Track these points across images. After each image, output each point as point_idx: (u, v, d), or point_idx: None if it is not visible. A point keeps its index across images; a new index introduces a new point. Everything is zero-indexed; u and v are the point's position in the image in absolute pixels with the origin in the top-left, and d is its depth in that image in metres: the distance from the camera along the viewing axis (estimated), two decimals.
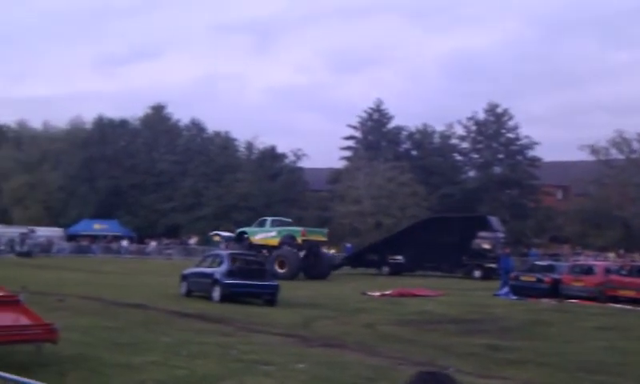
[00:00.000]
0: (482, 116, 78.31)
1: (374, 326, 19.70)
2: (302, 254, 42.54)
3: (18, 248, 62.69)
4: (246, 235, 46.32)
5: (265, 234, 45.08)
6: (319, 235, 46.12)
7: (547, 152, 76.99)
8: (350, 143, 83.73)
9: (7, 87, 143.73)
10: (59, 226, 76.57)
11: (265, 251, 43.27)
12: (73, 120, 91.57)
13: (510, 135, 77.55)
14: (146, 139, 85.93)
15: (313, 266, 42.65)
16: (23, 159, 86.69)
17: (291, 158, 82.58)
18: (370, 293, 30.34)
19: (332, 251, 65.22)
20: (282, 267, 40.92)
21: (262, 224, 46.60)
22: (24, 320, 12.03)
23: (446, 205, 70.76)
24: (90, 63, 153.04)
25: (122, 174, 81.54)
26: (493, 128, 77.69)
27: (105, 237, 75.10)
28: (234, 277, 24.89)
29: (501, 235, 46.20)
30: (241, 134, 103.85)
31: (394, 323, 20.46)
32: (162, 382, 11.04)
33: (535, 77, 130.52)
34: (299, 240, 43.42)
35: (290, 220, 49.33)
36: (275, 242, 43.86)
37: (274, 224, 46.42)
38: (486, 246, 44.67)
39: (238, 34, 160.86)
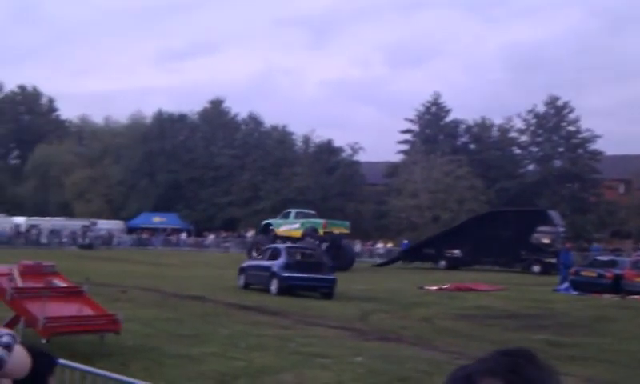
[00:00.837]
0: (541, 109, 77.12)
1: (431, 320, 19.61)
2: (324, 245, 42.73)
3: (79, 240, 64.09)
4: (271, 227, 47.42)
5: (289, 226, 46.04)
6: (341, 227, 46.78)
7: (609, 145, 75.70)
8: (408, 137, 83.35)
9: (70, 83, 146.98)
10: (120, 219, 78.06)
11: (288, 242, 43.15)
12: (133, 115, 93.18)
13: (571, 128, 76.19)
14: (205, 133, 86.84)
15: (336, 258, 42.03)
16: (85, 153, 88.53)
17: (348, 151, 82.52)
18: (427, 287, 30.17)
19: (389, 245, 65.20)
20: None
21: (286, 216, 47.72)
22: (88, 311, 12.32)
23: (505, 199, 69.95)
24: (150, 58, 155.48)
25: (180, 167, 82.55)
26: (553, 121, 76.43)
27: (164, 230, 76.29)
28: (292, 270, 25.05)
29: (561, 230, 45.48)
30: (298, 128, 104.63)
31: (452, 317, 20.32)
32: (221, 373, 11.17)
33: (597, 69, 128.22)
34: (321, 232, 44.26)
35: (313, 212, 50.04)
36: (298, 233, 44.66)
37: (298, 216, 47.45)
38: (546, 241, 44.00)
39: (296, 28, 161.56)
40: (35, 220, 70.46)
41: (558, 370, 1.17)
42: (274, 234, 46.26)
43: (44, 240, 64.56)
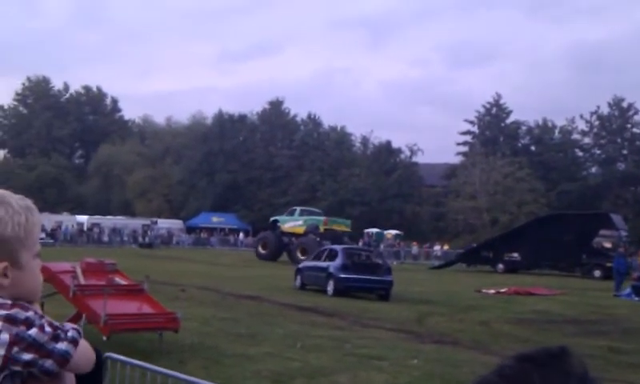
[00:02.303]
0: (605, 110, 75.83)
1: (488, 324, 19.41)
2: (326, 243, 42.57)
3: (140, 239, 65.14)
4: (278, 223, 48.66)
5: (293, 223, 47.53)
6: (342, 225, 48.19)
7: None
8: (467, 138, 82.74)
9: (132, 84, 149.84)
10: (179, 219, 79.09)
11: (293, 239, 45.96)
12: (194, 115, 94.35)
13: (636, 130, 74.69)
14: (264, 134, 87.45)
15: None
16: (146, 153, 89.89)
17: (406, 153, 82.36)
18: (484, 290, 29.83)
19: (446, 247, 64.69)
20: (303, 254, 42.50)
21: (292, 213, 49.19)
22: (147, 308, 12.52)
23: (566, 202, 68.88)
24: (211, 59, 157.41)
25: (239, 168, 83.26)
26: (617, 123, 75.02)
27: (222, 229, 77.02)
28: (348, 271, 25.06)
29: (624, 234, 44.54)
30: (356, 129, 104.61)
31: (510, 322, 20.08)
32: (277, 373, 11.24)
33: None
34: (321, 229, 45.54)
35: (318, 210, 51.69)
36: (301, 230, 46.33)
37: (302, 213, 48.89)
38: (608, 245, 43.12)
39: (354, 28, 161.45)
40: (97, 219, 71.89)
41: (589, 370, 1.07)
42: (280, 230, 47.89)
43: (105, 238, 65.86)
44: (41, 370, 1.92)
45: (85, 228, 68.75)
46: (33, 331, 1.90)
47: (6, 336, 1.87)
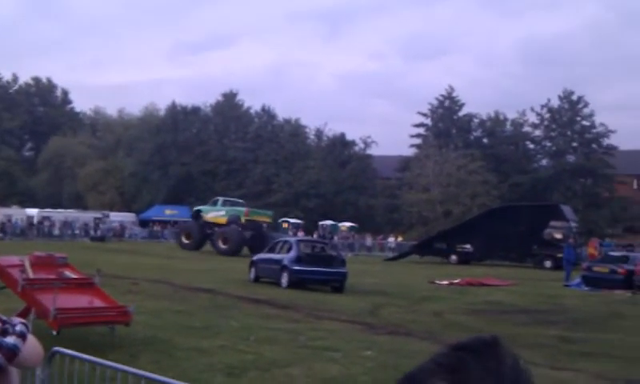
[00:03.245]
0: (556, 103, 76.89)
1: (441, 315, 19.59)
2: (248, 233, 45.53)
3: (92, 232, 64.34)
4: (201, 213, 49.35)
5: (216, 213, 48.34)
6: (264, 216, 49.29)
7: (623, 140, 75.07)
8: (420, 131, 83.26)
9: (84, 75, 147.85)
10: (132, 212, 78.31)
11: (215, 228, 46.78)
12: (147, 107, 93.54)
13: (585, 123, 75.91)
14: (217, 126, 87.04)
15: (257, 246, 43.91)
16: (98, 146, 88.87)
17: (361, 145, 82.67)
18: (437, 281, 30.11)
19: (400, 239, 65.15)
20: (225, 243, 44.60)
21: (214, 203, 50.10)
22: (98, 302, 12.36)
23: (517, 193, 69.83)
24: (164, 51, 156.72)
25: (193, 160, 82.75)
26: (567, 115, 76.15)
27: (176, 222, 76.48)
28: (302, 263, 25.03)
29: (573, 225, 45.30)
30: (311, 122, 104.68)
31: (463, 312, 20.30)
32: (231, 366, 11.19)
33: (612, 63, 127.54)
34: (242, 219, 46.54)
35: (241, 201, 52.88)
36: (224, 220, 47.08)
37: (225, 204, 49.75)
38: (558, 236, 43.83)
39: (310, 21, 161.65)
40: (48, 212, 70.78)
41: (520, 359, 1.09)
42: (203, 220, 48.50)
43: (56, 232, 64.84)
44: None
45: (35, 221, 67.60)
46: None
47: None
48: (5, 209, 68.38)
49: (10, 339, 1.91)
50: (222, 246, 44.75)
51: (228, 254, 43.06)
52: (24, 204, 74.41)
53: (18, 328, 1.96)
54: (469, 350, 1.08)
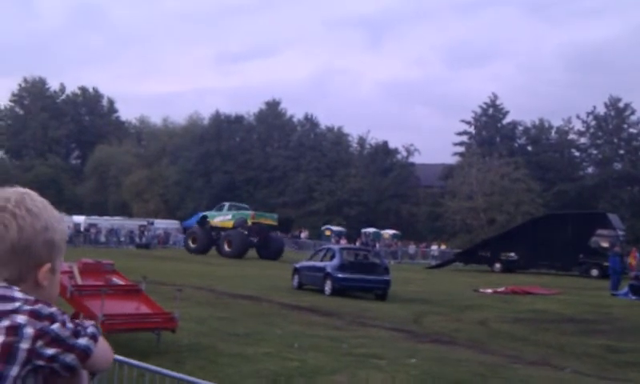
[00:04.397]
0: (602, 111, 75.91)
1: (486, 323, 19.41)
2: (253, 236, 46.71)
3: (137, 240, 64.99)
4: (207, 219, 50.26)
5: (222, 218, 49.28)
6: (269, 219, 50.06)
7: None
8: (464, 138, 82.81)
9: (130, 85, 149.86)
10: (176, 219, 78.94)
11: (222, 233, 47.67)
12: (191, 116, 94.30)
13: (632, 130, 74.79)
14: (260, 135, 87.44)
15: (264, 248, 46.77)
16: (143, 154, 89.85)
17: (403, 153, 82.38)
18: (482, 289, 29.87)
19: (443, 247, 64.73)
20: (229, 246, 45.66)
21: (220, 208, 51.15)
22: (145, 309, 12.50)
23: (562, 202, 68.97)
24: (208, 61, 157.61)
25: (236, 168, 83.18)
26: (613, 123, 75.11)
27: None
28: (346, 271, 25.02)
29: (620, 233, 44.59)
30: (353, 130, 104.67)
31: (507, 321, 20.09)
32: (275, 373, 11.22)
33: None
34: (249, 222, 47.41)
35: (246, 205, 54.15)
36: (230, 224, 48.06)
37: (231, 208, 50.89)
38: (605, 245, 43.15)
39: (352, 29, 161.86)
40: (94, 219, 71.73)
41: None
42: (209, 225, 49.37)
43: (102, 239, 65.63)
44: (62, 365, 1.92)
45: (82, 228, 68.53)
46: (55, 326, 1.90)
47: (30, 330, 1.87)
48: None
49: (83, 340, 1.95)
50: (227, 249, 46.00)
51: (234, 256, 44.37)
52: (71, 211, 75.47)
53: (90, 330, 1.99)
54: None
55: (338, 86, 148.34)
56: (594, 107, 76.36)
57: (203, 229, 49.56)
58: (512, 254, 46.40)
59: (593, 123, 76.61)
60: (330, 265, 25.54)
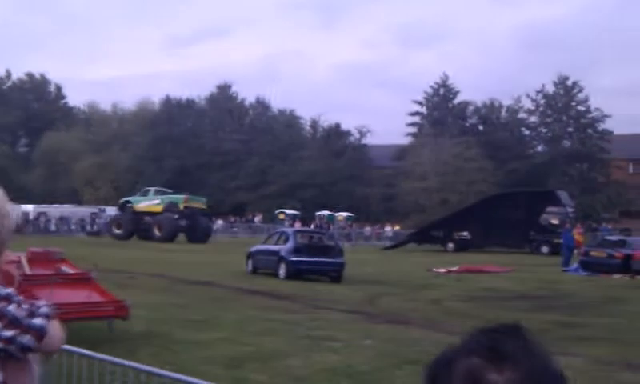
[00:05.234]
0: (551, 89, 76.90)
1: (440, 303, 19.59)
2: (184, 220, 47.49)
3: (88, 227, 64.18)
4: (129, 204, 50.62)
5: (148, 202, 49.79)
6: (199, 202, 50.98)
7: (618, 125, 75.26)
8: (416, 119, 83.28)
9: (77, 70, 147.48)
10: None
11: (148, 218, 48.19)
12: (141, 101, 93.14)
13: (581, 108, 75.99)
14: (212, 119, 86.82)
15: (193, 231, 47.43)
16: (93, 140, 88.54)
17: (356, 135, 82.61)
18: (435, 269, 30.15)
19: (397, 228, 65.18)
20: (159, 231, 46.43)
21: (145, 194, 51.54)
22: (96, 297, 12.30)
23: (514, 180, 69.81)
24: (157, 44, 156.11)
25: (188, 153, 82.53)
26: (562, 101, 76.20)
27: None
28: (300, 254, 25.02)
29: (570, 210, 45.34)
30: (306, 112, 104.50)
31: (461, 299, 20.30)
32: (230, 358, 11.16)
33: (607, 48, 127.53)
34: (181, 206, 48.12)
35: (170, 190, 53.91)
36: (159, 208, 48.57)
37: (157, 193, 51.36)
38: (555, 222, 43.87)
39: (303, 10, 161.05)
40: (44, 208, 70.57)
41: (544, 342, 1.17)
42: (132, 210, 49.72)
43: (53, 228, 64.67)
44: (19, 347, 1.95)
45: (31, 217, 67.38)
46: (12, 307, 1.95)
47: None
48: None
49: (38, 320, 2.00)
50: (157, 233, 46.44)
51: (164, 240, 44.79)
52: (19, 200, 74.11)
53: (43, 309, 2.05)
54: (499, 332, 1.16)
55: (289, 69, 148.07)
56: (543, 86, 77.43)
57: (128, 214, 49.67)
58: (465, 234, 46.92)
59: (542, 102, 77.63)
60: (284, 248, 25.52)
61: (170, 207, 48.23)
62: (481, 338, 1.15)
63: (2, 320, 1.91)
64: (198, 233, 47.71)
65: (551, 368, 1.16)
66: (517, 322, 1.19)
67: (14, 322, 1.93)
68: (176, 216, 47.46)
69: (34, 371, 2.07)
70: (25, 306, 1.99)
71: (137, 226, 48.77)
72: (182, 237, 47.86)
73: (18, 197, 72.71)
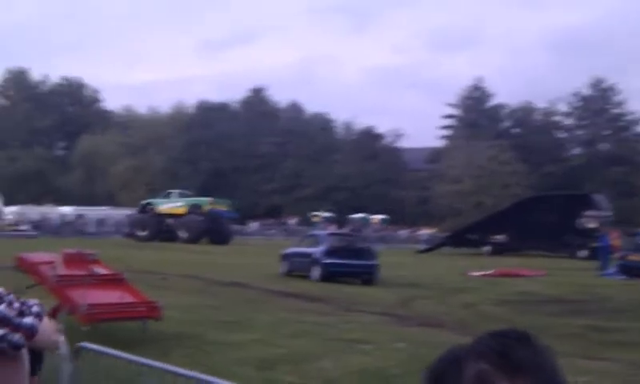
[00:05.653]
0: (586, 92, 76.04)
1: (473, 306, 19.42)
2: (207, 223, 48.01)
3: (124, 230, 64.70)
4: (150, 206, 51.31)
5: (172, 204, 50.39)
6: (224, 205, 51.92)
7: None
8: (450, 122, 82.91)
9: (114, 74, 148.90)
10: None
11: (171, 219, 48.96)
12: (176, 105, 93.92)
13: (616, 111, 75.04)
14: (246, 122, 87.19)
15: (216, 233, 47.86)
16: (129, 143, 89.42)
17: (390, 138, 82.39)
18: (470, 273, 29.89)
19: (432, 231, 64.87)
20: (186, 232, 47.20)
21: (167, 196, 52.18)
22: (128, 297, 12.40)
23: (549, 183, 69.16)
24: (192, 48, 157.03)
25: (222, 156, 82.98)
26: (598, 104, 75.33)
27: None
28: (333, 256, 24.99)
29: (607, 214, 44.73)
30: (339, 115, 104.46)
31: (494, 303, 20.10)
32: (261, 360, 11.17)
33: None
34: (206, 209, 49.07)
35: (191, 193, 55.18)
36: (182, 211, 49.26)
37: (180, 196, 52.13)
38: (592, 225, 43.30)
39: (336, 14, 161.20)
40: (82, 210, 71.39)
41: (553, 350, 1.15)
42: (153, 212, 50.31)
43: (90, 229, 65.34)
44: (10, 344, 1.97)
45: (69, 219, 68.20)
46: (2, 307, 1.97)
47: None
48: (39, 207, 69.16)
49: (29, 319, 2.03)
50: (183, 234, 47.18)
51: (190, 241, 45.59)
52: (58, 202, 75.10)
53: (35, 309, 2.08)
54: (509, 337, 1.14)
55: (323, 73, 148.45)
56: (579, 88, 76.64)
57: (151, 216, 50.14)
58: (501, 237, 46.54)
59: (578, 104, 76.86)
60: (317, 250, 25.51)
61: (194, 209, 48.95)
62: (491, 343, 1.14)
63: None
64: (220, 235, 48.20)
65: (559, 378, 1.15)
66: (526, 330, 1.18)
67: (3, 321, 1.97)
68: (201, 218, 48.08)
69: (25, 367, 2.14)
70: (15, 306, 2.03)
71: (159, 228, 49.21)
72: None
73: (56, 199, 73.99)
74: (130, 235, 50.52)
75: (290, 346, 12.32)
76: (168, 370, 5.98)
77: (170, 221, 49.10)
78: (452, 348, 1.19)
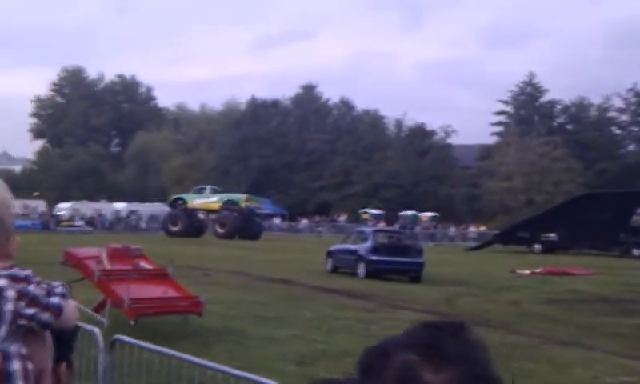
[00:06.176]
0: None
1: (519, 304, 19.25)
2: (240, 217, 48.93)
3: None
4: (180, 201, 51.73)
5: (205, 200, 51.05)
6: (257, 202, 53.19)
7: None
8: (502, 118, 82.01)
9: (167, 71, 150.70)
10: None
11: (202, 214, 50.13)
12: (228, 101, 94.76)
13: None
14: (297, 119, 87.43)
15: (248, 229, 48.25)
16: (181, 140, 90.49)
17: (440, 134, 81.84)
18: (519, 271, 29.61)
19: (482, 228, 64.32)
20: (222, 228, 47.78)
21: (200, 191, 52.94)
22: (172, 292, 12.60)
23: (603, 180, 67.90)
24: (244, 46, 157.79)
25: (273, 153, 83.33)
26: None
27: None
28: (379, 253, 24.98)
29: None
30: (390, 112, 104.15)
31: (541, 302, 19.89)
32: (302, 355, 11.24)
33: None
34: (242, 205, 49.84)
35: (221, 189, 55.57)
36: (216, 206, 50.02)
37: (213, 192, 52.79)
38: None
39: (388, 10, 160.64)
40: (135, 206, 72.52)
41: (486, 342, 1.12)
42: (184, 207, 50.75)
43: (143, 225, 66.33)
44: (39, 323, 2.15)
45: (123, 215, 69.38)
46: (32, 287, 2.14)
47: (11, 292, 2.09)
48: (94, 203, 70.51)
49: (55, 299, 2.19)
50: (219, 230, 47.98)
51: (226, 237, 46.26)
52: (112, 198, 76.40)
53: (59, 290, 2.24)
54: (442, 329, 1.10)
55: (374, 69, 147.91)
56: (635, 84, 75.10)
57: (184, 212, 50.51)
58: (552, 235, 45.92)
59: (633, 100, 75.30)
60: (362, 247, 25.53)
61: (229, 205, 49.69)
62: (422, 334, 1.09)
63: (23, 299, 2.10)
64: (251, 231, 48.73)
65: (490, 373, 1.09)
66: (462, 321, 1.14)
67: (34, 301, 2.12)
68: (235, 214, 48.90)
69: (50, 345, 2.27)
70: (43, 286, 2.18)
71: (190, 223, 49.65)
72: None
73: (110, 195, 75.27)
74: (164, 230, 51.06)
75: (331, 342, 12.38)
76: (201, 364, 6.11)
77: (200, 216, 50.22)
78: (384, 339, 1.15)
